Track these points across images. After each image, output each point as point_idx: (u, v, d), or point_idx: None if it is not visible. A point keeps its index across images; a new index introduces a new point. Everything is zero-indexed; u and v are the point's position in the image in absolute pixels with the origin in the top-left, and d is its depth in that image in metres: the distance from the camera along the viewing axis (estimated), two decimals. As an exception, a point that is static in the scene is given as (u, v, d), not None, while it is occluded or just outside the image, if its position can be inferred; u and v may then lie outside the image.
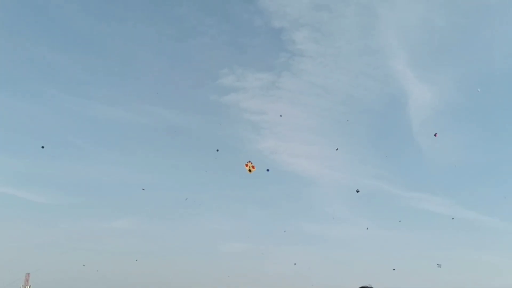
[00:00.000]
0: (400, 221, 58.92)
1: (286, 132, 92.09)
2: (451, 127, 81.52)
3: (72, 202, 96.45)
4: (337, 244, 79.10)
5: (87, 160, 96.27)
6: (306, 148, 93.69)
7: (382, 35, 78.99)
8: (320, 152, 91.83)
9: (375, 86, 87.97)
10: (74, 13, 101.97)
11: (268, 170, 33.94)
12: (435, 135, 34.05)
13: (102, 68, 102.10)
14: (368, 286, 4.44)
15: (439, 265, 35.37)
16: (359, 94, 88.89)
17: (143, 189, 45.35)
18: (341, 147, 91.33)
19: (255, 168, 23.11)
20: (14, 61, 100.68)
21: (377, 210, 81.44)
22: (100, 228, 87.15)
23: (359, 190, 40.82)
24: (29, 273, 69.91)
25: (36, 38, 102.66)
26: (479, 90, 51.50)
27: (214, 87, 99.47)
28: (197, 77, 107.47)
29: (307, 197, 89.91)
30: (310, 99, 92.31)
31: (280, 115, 67.90)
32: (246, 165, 23.21)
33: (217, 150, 29.96)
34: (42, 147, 59.48)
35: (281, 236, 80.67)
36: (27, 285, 69.14)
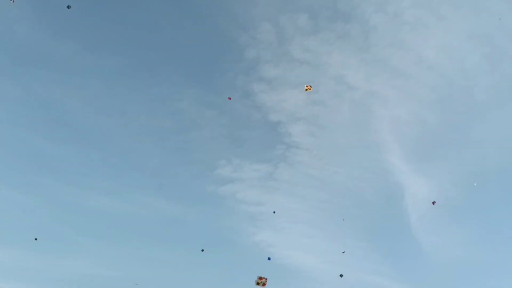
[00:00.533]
0: None
1: (284, 224, 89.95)
2: (449, 222, 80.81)
3: None
4: None
5: (79, 253, 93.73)
6: (304, 241, 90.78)
7: (376, 130, 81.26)
8: (319, 246, 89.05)
9: (372, 179, 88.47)
10: (74, 105, 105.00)
11: (269, 258, 32.04)
12: (433, 203, 32.73)
13: (100, 159, 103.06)
14: None
15: None
16: (356, 186, 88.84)
17: (136, 284, 43.04)
18: (340, 240, 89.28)
19: (267, 280, 22.20)
20: (10, 151, 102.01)
21: None
22: None
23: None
24: None
25: (34, 129, 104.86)
26: (475, 184, 51.58)
27: (212, 178, 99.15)
28: (196, 169, 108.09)
29: None
30: (308, 191, 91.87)
31: (274, 212, 66.32)
32: (258, 283, 22.26)
33: (202, 250, 28.44)
34: (36, 239, 58.40)
35: None
36: None
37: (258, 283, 21.96)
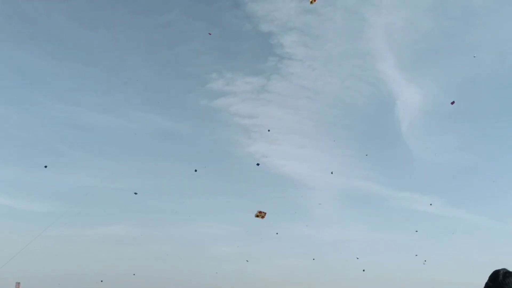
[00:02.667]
0: (416, 231, 57.76)
1: (277, 135, 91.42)
2: (439, 128, 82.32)
3: (60, 210, 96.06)
4: (330, 247, 79.11)
5: (75, 167, 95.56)
6: (297, 151, 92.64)
7: (369, 38, 79.82)
8: (311, 155, 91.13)
9: (364, 89, 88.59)
10: (60, 20, 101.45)
11: (258, 164, 33.20)
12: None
13: (90, 75, 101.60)
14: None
15: (424, 262, 35.76)
16: (349, 96, 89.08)
17: (136, 193, 44.49)
18: (332, 150, 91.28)
19: (265, 214, 22.63)
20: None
21: (369, 212, 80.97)
22: (89, 235, 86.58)
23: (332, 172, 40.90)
24: (19, 282, 69.20)
25: (22, 46, 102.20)
26: (474, 56, 50.30)
27: (204, 92, 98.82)
28: (187, 83, 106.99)
29: (298, 200, 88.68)
30: (301, 102, 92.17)
31: (268, 130, 66.59)
32: (257, 216, 22.63)
33: (196, 171, 28.87)
34: (45, 166, 59.25)
35: (272, 239, 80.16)
36: None
37: (257, 216, 22.29)
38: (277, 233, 35.85)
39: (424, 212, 71.85)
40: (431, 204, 50.27)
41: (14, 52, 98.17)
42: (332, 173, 57.91)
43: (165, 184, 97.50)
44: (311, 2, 22.49)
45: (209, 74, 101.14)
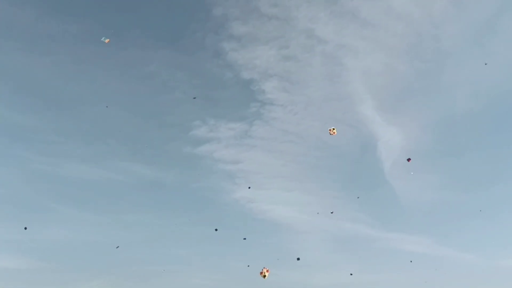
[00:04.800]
0: (411, 261, 56.69)
1: (262, 180, 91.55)
2: (420, 168, 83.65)
3: (43, 266, 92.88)
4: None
5: (58, 222, 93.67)
6: (283, 194, 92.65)
7: (348, 81, 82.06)
8: (298, 198, 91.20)
9: (346, 131, 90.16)
10: (43, 73, 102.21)
11: (216, 229, 31.65)
12: (408, 160, 34.29)
13: (73, 127, 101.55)
14: None
15: None
16: (331, 138, 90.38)
17: (117, 247, 43.54)
18: (318, 192, 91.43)
19: (268, 271, 22.49)
20: None
21: (358, 254, 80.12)
22: None
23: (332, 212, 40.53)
24: None
25: (3, 100, 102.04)
26: (486, 63, 50.75)
27: (187, 139, 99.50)
28: (170, 131, 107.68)
29: (285, 244, 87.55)
30: (284, 146, 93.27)
31: (249, 187, 67.25)
32: (261, 273, 22.58)
33: (216, 230, 28.44)
34: (25, 228, 58.01)
35: (262, 286, 77.94)
36: None
37: (263, 274, 22.49)
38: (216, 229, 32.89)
39: (412, 252, 71.27)
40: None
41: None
42: (318, 213, 57.45)
43: (150, 235, 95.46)
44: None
45: (192, 121, 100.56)
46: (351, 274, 50.10)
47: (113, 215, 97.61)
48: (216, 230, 28.53)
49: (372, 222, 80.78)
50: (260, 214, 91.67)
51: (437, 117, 74.14)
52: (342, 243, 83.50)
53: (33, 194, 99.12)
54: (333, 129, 24.40)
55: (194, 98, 43.96)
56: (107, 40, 27.45)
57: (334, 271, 79.03)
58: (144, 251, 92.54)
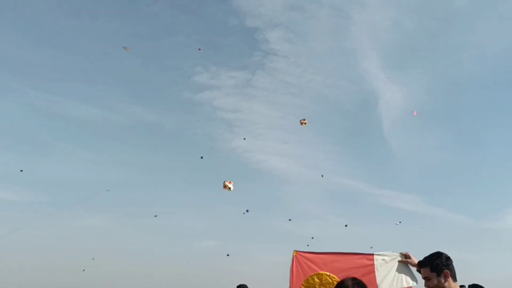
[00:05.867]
0: (399, 222, 57.45)
1: (260, 130, 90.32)
2: (420, 128, 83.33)
3: (41, 200, 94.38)
4: (309, 241, 79.47)
5: (57, 158, 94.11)
6: (280, 146, 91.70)
7: (354, 36, 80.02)
8: (293, 151, 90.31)
9: (347, 86, 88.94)
10: (44, 9, 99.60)
11: (247, 211, 32.55)
12: (414, 113, 33.80)
13: (73, 65, 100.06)
14: None
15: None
16: (332, 93, 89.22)
17: (108, 190, 44.08)
18: (315, 146, 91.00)
19: (231, 182, 22.01)
20: None
21: (350, 208, 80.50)
22: (69, 227, 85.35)
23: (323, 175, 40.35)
24: None
25: (4, 35, 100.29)
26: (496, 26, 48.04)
27: (188, 85, 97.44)
28: (171, 75, 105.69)
29: (279, 195, 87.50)
30: (284, 98, 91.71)
31: (244, 138, 65.71)
32: (225, 187, 22.01)
33: (202, 157, 28.68)
34: (21, 170, 59.47)
35: (253, 234, 79.00)
36: None
37: (225, 186, 21.57)
38: (247, 211, 35.00)
39: (403, 209, 72.87)
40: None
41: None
42: (315, 167, 58.35)
43: (146, 177, 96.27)
44: (229, 189, 21.86)
45: (194, 67, 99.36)
46: (346, 226, 50.93)
47: (111, 155, 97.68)
48: (201, 157, 28.67)
49: (366, 178, 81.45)
50: (256, 164, 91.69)
51: (441, 78, 73.37)
52: (335, 197, 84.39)
53: (31, 129, 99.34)
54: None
55: (199, 49, 42.48)
56: (127, 49, 27.44)
57: (326, 224, 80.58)
58: (140, 192, 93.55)
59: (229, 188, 21.14)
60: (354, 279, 2.89)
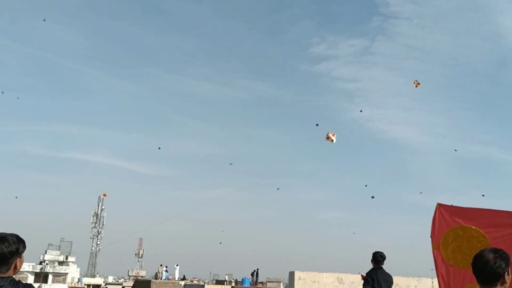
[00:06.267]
0: None
1: (382, 98, 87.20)
2: None
3: (175, 174, 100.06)
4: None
5: (187, 134, 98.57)
6: (405, 114, 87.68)
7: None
8: (420, 119, 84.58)
9: (480, 45, 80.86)
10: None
11: (317, 124, 30.15)
12: None
13: (196, 47, 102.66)
14: None
15: None
16: (462, 54, 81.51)
17: (231, 164, 48.84)
18: (444, 113, 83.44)
19: (335, 135, 20.56)
20: (116, 44, 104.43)
21: (487, 178, 74.50)
22: (198, 198, 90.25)
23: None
24: (141, 238, 74.58)
25: (136, 22, 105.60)
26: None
27: (305, 57, 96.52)
28: (288, 49, 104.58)
29: (405, 165, 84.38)
30: (408, 63, 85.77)
31: (361, 111, 64.12)
32: (328, 138, 20.40)
33: (317, 125, 28.69)
34: (159, 148, 66.75)
35: (378, 205, 75.12)
36: (140, 249, 73.65)
37: (328, 138, 20.33)
38: (373, 197, 35.46)
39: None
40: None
41: (129, 29, 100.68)
42: (444, 137, 51.96)
43: (268, 150, 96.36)
44: (332, 141, 20.35)
45: (311, 39, 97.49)
46: (483, 195, 46.24)
47: (235, 129, 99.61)
48: (317, 125, 28.59)
49: (506, 145, 71.90)
50: (379, 134, 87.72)
51: None
52: (468, 166, 77.45)
53: (163, 109, 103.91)
54: (333, 135, 20.22)
55: (318, 22, 43.16)
56: (254, 31, 28.18)
57: (459, 195, 74.81)
58: (262, 165, 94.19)
59: (332, 140, 19.96)
60: (496, 251, 2.28)
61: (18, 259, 2.28)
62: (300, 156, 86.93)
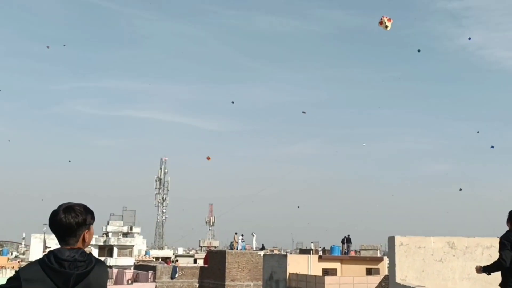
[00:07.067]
0: None
1: (499, 18, 68.94)
2: None
3: (244, 129, 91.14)
4: None
5: (256, 82, 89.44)
6: None
7: None
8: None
9: None
10: None
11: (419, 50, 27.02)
12: None
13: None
14: None
15: None
16: None
17: (304, 112, 40.90)
18: None
19: (391, 20, 18.63)
20: None
21: None
22: (275, 155, 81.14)
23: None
24: (212, 204, 68.88)
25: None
26: None
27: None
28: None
29: None
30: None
31: (469, 38, 50.44)
32: (381, 23, 18.55)
33: (419, 51, 23.40)
34: (232, 102, 58.75)
35: (494, 154, 61.25)
36: (211, 216, 68.03)
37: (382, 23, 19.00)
38: (492, 146, 28.69)
39: None
40: None
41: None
42: None
43: (354, 93, 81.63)
44: (386, 27, 19.20)
45: None
46: None
47: (310, 71, 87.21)
48: (418, 51, 25.85)
49: None
50: (496, 64, 69.56)
51: None
52: None
53: (227, 52, 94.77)
54: (388, 21, 18.66)
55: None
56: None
57: None
58: (350, 111, 79.82)
59: (386, 27, 18.58)
60: None
61: (87, 231, 2.20)
62: (394, 98, 71.93)
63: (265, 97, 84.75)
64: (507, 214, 4.89)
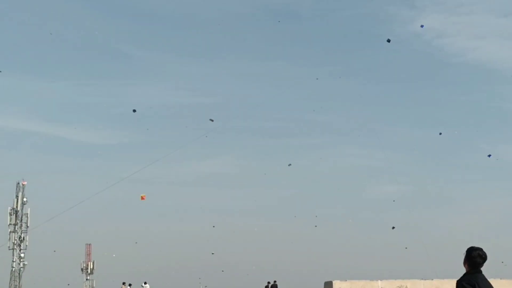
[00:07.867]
0: None
1: (460, 1, 56.58)
2: None
3: (132, 140, 66.51)
4: None
5: (145, 75, 68.69)
6: (498, 22, 56.69)
7: None
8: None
9: None
10: None
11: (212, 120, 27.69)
12: None
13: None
14: None
15: None
16: None
17: (211, 120, 31.17)
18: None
19: None
20: None
21: None
22: (174, 175, 62.05)
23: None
24: (90, 244, 51.10)
25: None
26: None
27: None
28: None
29: (502, 103, 57.49)
30: None
31: (421, 26, 45.48)
32: None
33: (388, 41, 18.89)
34: (134, 110, 43.09)
35: (461, 170, 51.19)
36: (89, 260, 50.41)
37: None
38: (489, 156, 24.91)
39: None
40: None
41: None
42: None
43: (279, 93, 59.35)
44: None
45: None
46: None
47: (221, 63, 63.47)
48: (388, 41, 22.93)
49: None
50: (457, 56, 57.96)
51: None
52: None
53: (110, 39, 70.50)
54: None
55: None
56: None
57: None
58: (276, 115, 59.73)
59: None
60: None
61: None
62: (332, 98, 56.69)
63: (156, 98, 63.78)
64: (464, 252, 4.07)
